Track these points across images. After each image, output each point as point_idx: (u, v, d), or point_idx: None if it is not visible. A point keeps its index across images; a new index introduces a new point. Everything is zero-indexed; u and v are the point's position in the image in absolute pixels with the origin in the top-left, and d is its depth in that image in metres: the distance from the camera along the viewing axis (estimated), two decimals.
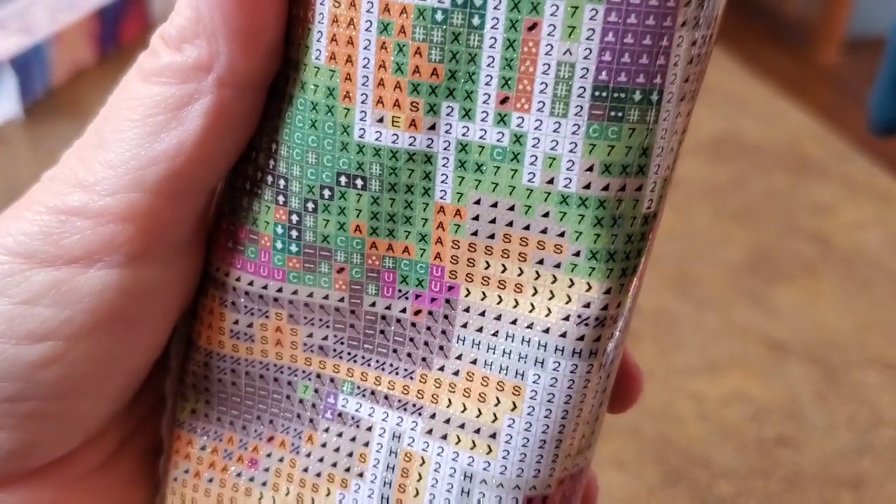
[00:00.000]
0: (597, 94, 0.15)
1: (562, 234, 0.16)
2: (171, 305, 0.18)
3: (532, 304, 0.17)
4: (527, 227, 0.16)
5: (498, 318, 0.17)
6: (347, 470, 0.19)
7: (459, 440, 0.18)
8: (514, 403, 0.17)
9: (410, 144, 0.16)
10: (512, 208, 0.16)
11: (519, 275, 0.17)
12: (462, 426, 0.18)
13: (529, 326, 0.17)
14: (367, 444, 0.19)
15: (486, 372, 0.17)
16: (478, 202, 0.16)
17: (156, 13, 0.71)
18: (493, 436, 0.17)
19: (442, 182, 0.17)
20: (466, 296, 0.17)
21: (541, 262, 0.17)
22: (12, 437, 0.17)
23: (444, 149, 0.16)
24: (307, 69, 0.16)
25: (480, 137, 0.16)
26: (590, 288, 0.16)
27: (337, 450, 0.19)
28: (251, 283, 0.18)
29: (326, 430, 0.19)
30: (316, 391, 0.19)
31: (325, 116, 0.16)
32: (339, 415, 0.19)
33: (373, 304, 0.18)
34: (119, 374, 0.18)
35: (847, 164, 0.62)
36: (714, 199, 0.58)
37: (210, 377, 0.19)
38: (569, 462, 0.18)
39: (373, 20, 0.16)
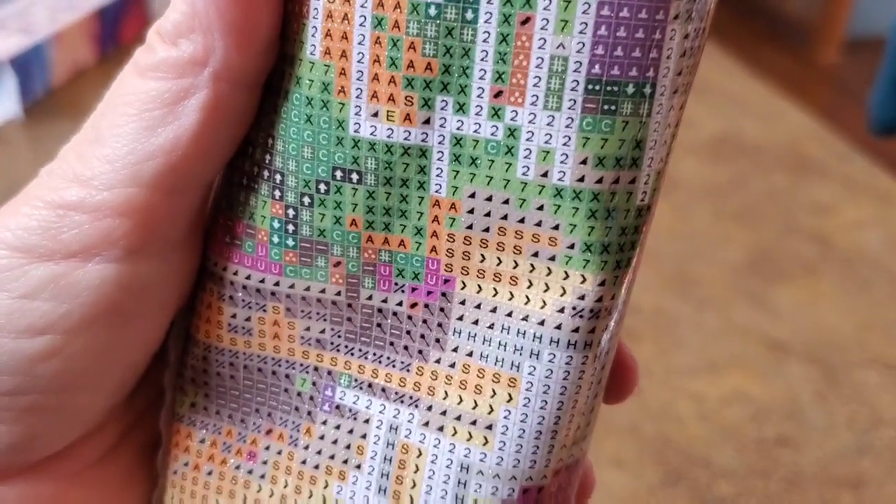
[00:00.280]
0: (590, 87, 0.15)
1: (556, 227, 0.16)
2: (169, 300, 0.18)
3: (527, 297, 0.17)
4: (521, 221, 0.16)
5: (493, 310, 0.17)
6: (345, 462, 0.19)
7: (456, 432, 0.18)
8: (509, 395, 0.17)
9: (405, 139, 0.16)
10: (507, 201, 0.16)
11: (514, 267, 0.17)
12: (458, 418, 0.18)
13: (525, 318, 0.17)
14: (364, 437, 0.19)
15: (482, 364, 0.18)
16: (473, 196, 0.17)
17: (155, 13, 0.71)
18: (490, 427, 0.18)
19: (437, 176, 0.17)
20: (462, 289, 0.17)
21: (536, 254, 0.17)
22: (12, 430, 0.17)
23: (439, 143, 0.16)
24: (302, 64, 0.16)
25: (475, 131, 0.16)
26: (584, 280, 0.17)
27: (335, 442, 0.19)
28: (248, 277, 0.18)
29: (324, 422, 0.19)
30: (314, 384, 0.19)
31: (320, 111, 0.17)
32: (337, 407, 0.19)
33: (369, 298, 0.18)
34: (117, 368, 0.18)
35: (847, 164, 0.62)
36: (714, 199, 0.58)
37: (209, 371, 0.20)
38: (564, 453, 0.18)
39: (367, 15, 0.16)
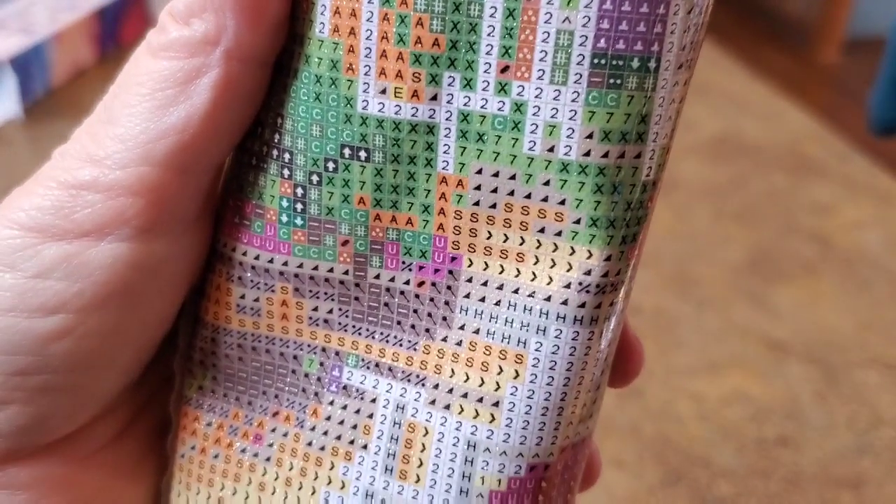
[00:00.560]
0: (595, 61, 0.15)
1: (562, 202, 0.16)
2: (180, 280, 0.19)
3: (534, 273, 0.17)
4: (528, 196, 0.17)
5: (500, 287, 0.17)
6: (352, 442, 0.19)
7: (462, 410, 0.18)
8: (516, 372, 0.17)
9: (413, 115, 0.17)
10: (513, 177, 0.17)
11: (520, 244, 0.17)
12: (465, 396, 0.18)
13: (531, 295, 0.17)
14: (371, 416, 0.19)
15: (488, 341, 0.18)
16: (479, 172, 0.17)
17: (156, 13, 0.71)
18: (496, 404, 0.18)
19: (444, 152, 0.17)
20: (469, 266, 0.17)
21: (542, 230, 0.17)
22: (24, 411, 0.17)
23: (446, 119, 0.16)
24: (311, 42, 0.17)
25: (482, 107, 0.16)
26: (590, 255, 0.17)
27: (341, 423, 0.19)
28: (257, 258, 0.18)
29: (331, 403, 0.19)
30: (321, 364, 0.19)
31: (328, 89, 0.17)
32: (345, 387, 0.19)
33: (377, 277, 0.18)
34: (129, 348, 0.18)
35: (847, 164, 0.62)
36: (714, 199, 0.58)
37: (217, 353, 0.20)
38: (571, 430, 0.18)
39: None
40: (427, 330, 0.18)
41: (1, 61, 0.58)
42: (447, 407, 0.18)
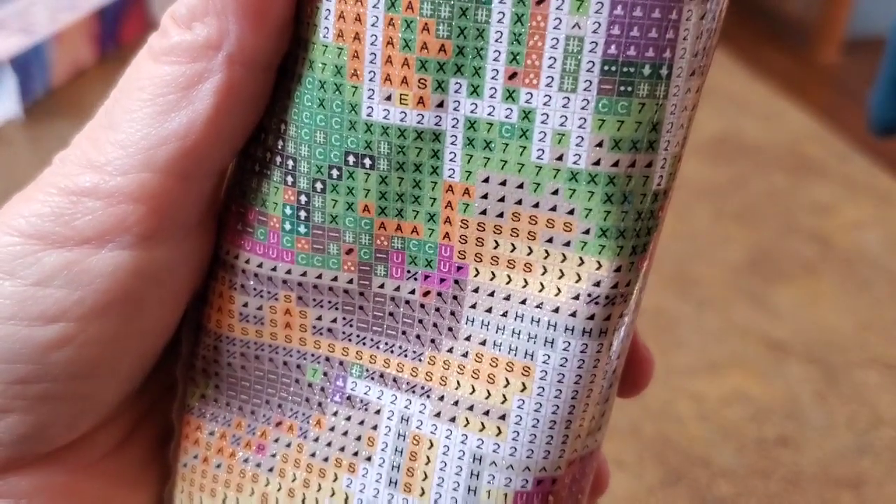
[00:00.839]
0: (606, 68, 0.15)
1: (571, 212, 0.16)
2: (182, 287, 0.18)
3: (542, 284, 0.17)
4: (536, 205, 0.16)
5: (507, 298, 0.17)
6: (355, 454, 0.19)
7: (468, 422, 0.18)
8: (523, 384, 0.17)
9: (419, 122, 0.16)
10: (521, 186, 0.16)
11: (528, 254, 0.17)
12: (471, 408, 0.18)
13: (539, 306, 0.17)
14: (375, 428, 0.19)
15: (495, 353, 0.17)
16: (486, 180, 0.16)
17: (156, 13, 0.71)
18: (503, 417, 0.17)
19: (450, 160, 0.16)
20: (475, 276, 0.17)
21: (550, 240, 0.16)
22: (25, 419, 0.17)
23: (453, 126, 0.16)
24: (315, 47, 0.16)
25: (489, 114, 0.16)
26: (600, 266, 0.16)
27: (345, 434, 0.19)
28: (260, 265, 0.18)
29: (335, 413, 0.19)
30: (325, 374, 0.19)
31: (332, 95, 0.16)
32: (348, 398, 0.19)
33: (381, 286, 0.18)
34: (130, 356, 0.18)
35: (847, 164, 0.62)
36: (714, 199, 0.58)
37: (219, 361, 0.19)
38: (579, 443, 0.18)
39: None
40: (432, 340, 0.18)
41: (1, 61, 0.58)
42: (453, 419, 0.18)
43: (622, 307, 0.17)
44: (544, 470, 0.18)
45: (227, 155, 0.17)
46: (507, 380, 0.17)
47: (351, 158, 0.17)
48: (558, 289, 0.17)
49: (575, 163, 0.16)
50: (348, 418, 0.19)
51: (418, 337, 0.18)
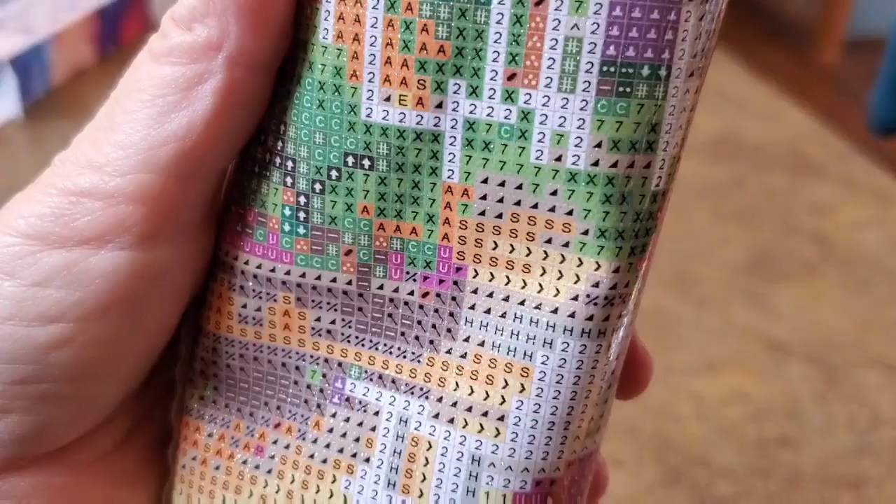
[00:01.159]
0: (605, 69, 0.15)
1: (570, 213, 0.16)
2: (182, 288, 0.18)
3: (540, 285, 0.17)
4: (535, 206, 0.16)
5: (506, 299, 0.17)
6: (354, 455, 0.19)
7: (467, 423, 0.18)
8: (522, 385, 0.17)
9: (418, 123, 0.16)
10: (520, 187, 0.16)
11: (527, 255, 0.17)
12: (469, 409, 0.18)
13: (538, 307, 0.17)
14: (374, 429, 0.19)
15: (493, 354, 0.17)
16: (485, 181, 0.16)
17: (156, 13, 0.71)
18: (502, 418, 0.17)
19: (449, 161, 0.16)
20: (474, 277, 0.17)
21: (549, 241, 0.16)
22: (24, 420, 0.17)
23: (452, 127, 0.16)
24: (315, 49, 0.16)
25: (488, 115, 0.16)
26: (599, 267, 0.16)
27: (344, 435, 0.19)
28: (259, 267, 0.18)
29: (334, 415, 0.19)
30: (324, 376, 0.19)
31: (332, 96, 0.16)
32: (347, 399, 0.19)
33: (380, 287, 0.18)
34: (130, 357, 0.18)
35: (847, 164, 0.62)
36: (714, 199, 0.58)
37: (218, 363, 0.19)
38: (578, 445, 0.18)
39: None
40: (431, 342, 0.18)
41: (1, 61, 0.58)
42: (451, 420, 0.18)
43: (621, 308, 0.17)
44: (543, 471, 0.18)
45: (227, 156, 0.17)
46: (505, 381, 0.17)
47: (350, 159, 0.17)
48: (557, 290, 0.17)
49: (574, 164, 0.16)
50: (347, 420, 0.19)
51: (417, 338, 0.18)
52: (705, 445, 0.41)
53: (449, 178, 0.17)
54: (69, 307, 0.17)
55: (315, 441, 0.19)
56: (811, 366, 0.46)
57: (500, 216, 0.17)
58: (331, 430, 0.19)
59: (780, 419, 0.43)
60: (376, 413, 0.19)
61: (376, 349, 0.18)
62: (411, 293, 0.18)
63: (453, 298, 0.17)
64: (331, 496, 0.19)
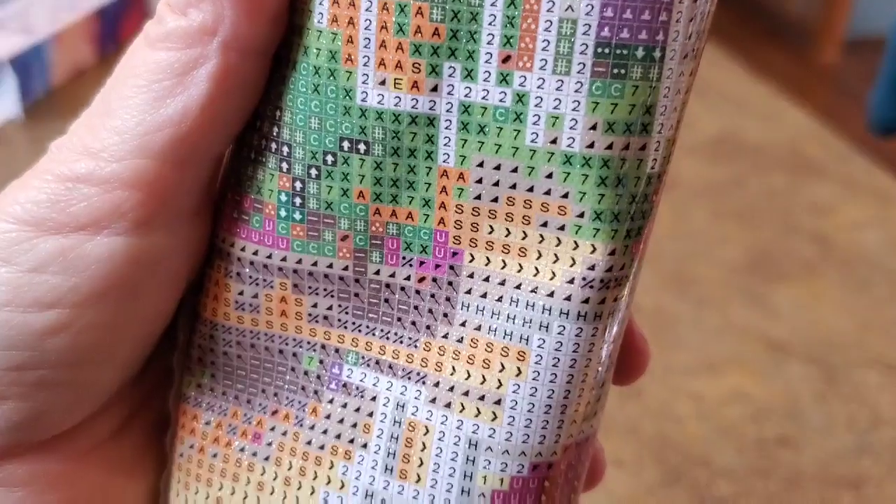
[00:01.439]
0: (599, 50, 0.15)
1: (565, 196, 0.16)
2: (179, 274, 0.18)
3: (536, 268, 0.17)
4: (530, 189, 0.16)
5: (502, 283, 0.17)
6: (351, 441, 0.19)
7: (464, 408, 0.18)
8: (518, 369, 0.17)
9: (413, 107, 0.16)
10: (515, 170, 0.16)
11: (523, 238, 0.17)
12: (466, 394, 0.18)
13: (534, 290, 0.17)
14: (371, 415, 0.19)
15: (490, 338, 0.17)
16: (481, 164, 0.16)
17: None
18: (498, 402, 0.17)
19: (445, 145, 0.16)
20: (470, 261, 0.17)
21: (545, 224, 0.16)
22: (20, 407, 0.17)
23: (447, 110, 0.16)
24: (309, 33, 0.16)
25: (483, 98, 0.16)
26: (594, 250, 0.16)
27: (341, 421, 0.19)
28: (256, 253, 0.18)
29: (331, 401, 0.19)
30: (321, 362, 0.19)
31: (327, 80, 0.16)
32: (344, 385, 0.19)
33: (377, 272, 0.18)
34: (127, 343, 0.18)
35: (847, 164, 0.62)
36: (713, 199, 0.58)
37: (216, 350, 0.19)
38: (574, 429, 0.18)
39: None
40: (428, 327, 0.18)
41: (1, 61, 0.58)
42: (448, 405, 0.18)
43: (617, 291, 0.17)
44: (540, 455, 0.18)
45: (223, 141, 0.17)
46: (502, 364, 0.17)
47: (346, 144, 0.17)
48: (553, 273, 0.17)
49: (569, 146, 0.16)
50: (344, 405, 0.19)
51: (413, 323, 0.18)
52: (705, 445, 0.41)
53: (444, 162, 0.17)
54: (65, 293, 0.17)
55: (312, 427, 0.19)
56: (811, 366, 0.46)
57: (495, 200, 0.17)
58: (328, 417, 0.19)
59: (780, 419, 0.43)
60: (373, 399, 0.19)
61: (373, 335, 0.18)
62: (408, 278, 0.18)
63: (450, 283, 0.17)
64: (328, 482, 0.19)
